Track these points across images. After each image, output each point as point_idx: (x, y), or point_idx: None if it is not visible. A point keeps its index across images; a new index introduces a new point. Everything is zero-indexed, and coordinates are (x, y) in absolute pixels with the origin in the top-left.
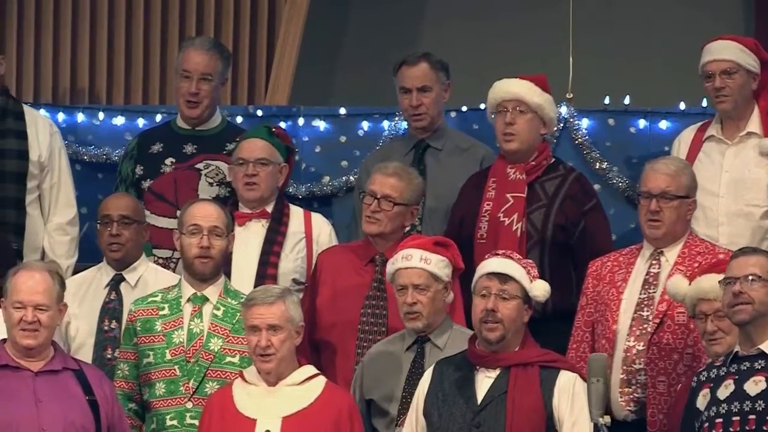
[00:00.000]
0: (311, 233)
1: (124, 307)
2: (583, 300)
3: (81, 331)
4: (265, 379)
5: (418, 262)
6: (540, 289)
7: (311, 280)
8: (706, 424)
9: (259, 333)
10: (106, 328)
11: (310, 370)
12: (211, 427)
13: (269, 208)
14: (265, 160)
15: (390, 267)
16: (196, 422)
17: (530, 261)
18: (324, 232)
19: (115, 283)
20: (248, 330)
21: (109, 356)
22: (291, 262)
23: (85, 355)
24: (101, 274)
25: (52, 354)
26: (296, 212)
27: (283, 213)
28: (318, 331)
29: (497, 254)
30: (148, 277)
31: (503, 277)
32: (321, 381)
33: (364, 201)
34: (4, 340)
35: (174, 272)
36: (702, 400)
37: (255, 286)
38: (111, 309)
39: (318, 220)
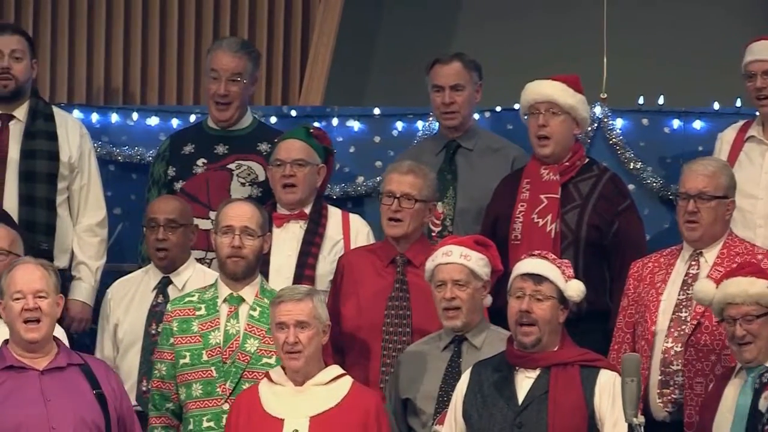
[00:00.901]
0: (349, 234)
1: None
2: (624, 301)
3: (128, 334)
4: (292, 378)
5: (458, 258)
6: (575, 290)
7: (333, 282)
8: None
9: (287, 330)
10: (153, 331)
11: (336, 370)
12: (239, 428)
13: (307, 210)
14: (302, 161)
15: (429, 264)
16: None
17: (566, 261)
18: (362, 233)
19: (163, 286)
20: (275, 327)
21: None
22: (329, 264)
23: (133, 358)
24: (149, 276)
25: (56, 350)
26: (334, 213)
27: (321, 214)
28: (342, 334)
29: (532, 255)
30: (196, 279)
31: (537, 278)
32: (347, 381)
33: (383, 202)
34: (7, 341)
35: None
36: (764, 403)
37: (259, 286)
38: (158, 312)
39: (356, 221)
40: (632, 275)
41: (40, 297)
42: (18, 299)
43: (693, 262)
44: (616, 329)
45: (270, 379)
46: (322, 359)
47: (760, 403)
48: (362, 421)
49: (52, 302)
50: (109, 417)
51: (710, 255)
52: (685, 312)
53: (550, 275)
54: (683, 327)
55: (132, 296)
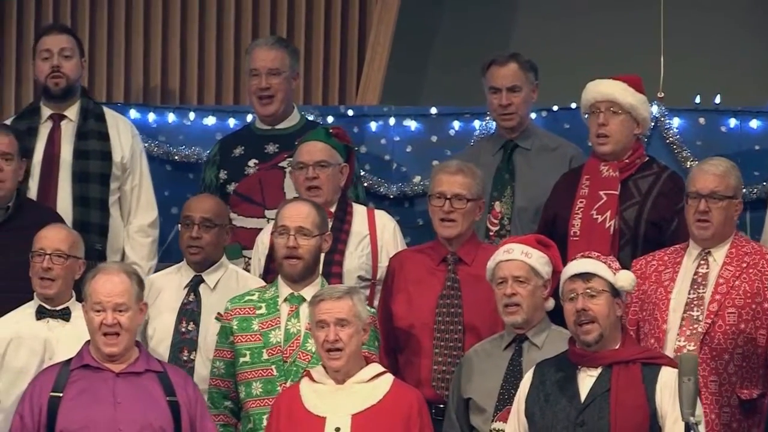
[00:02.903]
0: (375, 230)
1: (203, 309)
2: (626, 298)
3: (158, 330)
4: (333, 377)
5: (519, 255)
6: (625, 279)
7: (384, 285)
8: None
9: (327, 328)
10: (183, 329)
11: (377, 367)
12: (280, 426)
13: (332, 208)
14: (324, 162)
15: (490, 262)
16: None
17: (610, 257)
18: (388, 228)
19: (195, 285)
20: (316, 326)
21: (185, 358)
22: (356, 260)
23: (161, 356)
24: (181, 274)
25: (137, 356)
26: (359, 210)
27: (345, 212)
28: (394, 333)
29: (574, 259)
30: (229, 279)
31: (586, 276)
32: (388, 378)
33: (433, 204)
34: (89, 342)
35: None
36: None
37: (320, 286)
38: (189, 310)
39: (382, 216)
40: (635, 273)
41: (120, 311)
42: (98, 311)
43: (702, 261)
44: None
45: (311, 378)
46: (362, 356)
47: None
48: (404, 418)
49: (133, 315)
50: (180, 425)
51: (719, 254)
52: (697, 311)
53: (598, 270)
54: (696, 326)
55: (163, 293)
